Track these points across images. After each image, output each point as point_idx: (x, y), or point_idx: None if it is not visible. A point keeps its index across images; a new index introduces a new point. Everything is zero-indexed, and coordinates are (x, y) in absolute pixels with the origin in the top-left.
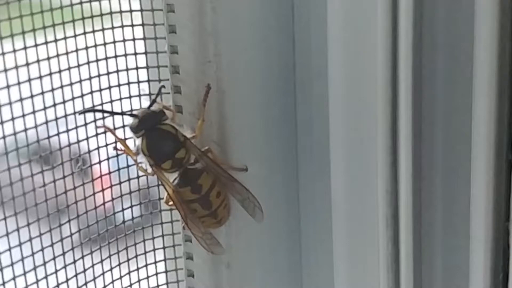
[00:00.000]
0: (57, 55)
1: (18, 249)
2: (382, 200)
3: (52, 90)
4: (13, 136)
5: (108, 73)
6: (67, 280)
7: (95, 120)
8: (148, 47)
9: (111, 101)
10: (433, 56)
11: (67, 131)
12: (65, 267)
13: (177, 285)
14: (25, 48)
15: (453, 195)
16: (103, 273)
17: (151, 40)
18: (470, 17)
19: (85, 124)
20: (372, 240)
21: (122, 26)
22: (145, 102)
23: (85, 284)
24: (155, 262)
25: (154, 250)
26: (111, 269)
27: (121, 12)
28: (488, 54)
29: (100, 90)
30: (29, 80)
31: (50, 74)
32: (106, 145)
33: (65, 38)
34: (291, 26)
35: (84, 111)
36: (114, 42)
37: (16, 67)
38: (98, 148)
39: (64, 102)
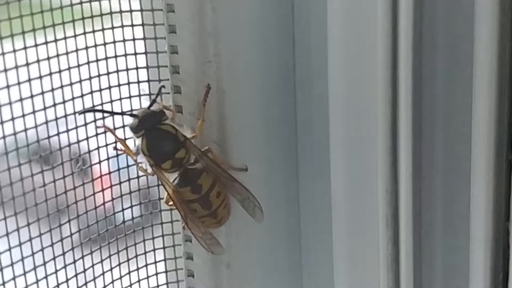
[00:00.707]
0: (57, 55)
1: (18, 249)
2: (382, 200)
3: (52, 90)
4: (13, 136)
5: (108, 73)
6: (67, 280)
7: (95, 120)
8: (148, 47)
9: (111, 101)
10: (433, 56)
11: (67, 131)
12: (65, 267)
13: (177, 285)
14: (25, 48)
15: (453, 195)
16: (103, 273)
17: (151, 40)
18: (470, 17)
19: (85, 124)
20: (372, 240)
21: (122, 26)
22: (145, 102)
23: (85, 284)
24: (155, 262)
25: (154, 250)
26: (111, 269)
27: (121, 12)
28: (488, 54)
29: (100, 90)
30: (29, 80)
31: (50, 74)
32: (106, 145)
33: (65, 38)
34: (291, 26)
35: (84, 111)
36: (114, 42)
37: (16, 67)
38: (98, 148)
39: (64, 102)
